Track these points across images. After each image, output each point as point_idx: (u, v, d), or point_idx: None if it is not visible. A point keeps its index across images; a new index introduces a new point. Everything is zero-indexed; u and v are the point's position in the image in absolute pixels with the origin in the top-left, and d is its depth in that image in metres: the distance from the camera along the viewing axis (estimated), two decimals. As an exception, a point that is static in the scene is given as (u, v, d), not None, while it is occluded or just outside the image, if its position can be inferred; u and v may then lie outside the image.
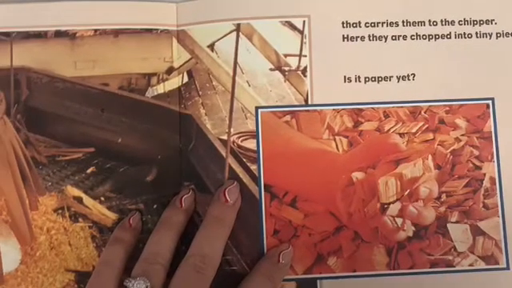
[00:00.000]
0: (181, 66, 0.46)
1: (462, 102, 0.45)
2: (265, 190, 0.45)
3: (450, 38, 0.46)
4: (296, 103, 0.45)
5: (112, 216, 0.46)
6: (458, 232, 0.45)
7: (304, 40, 0.45)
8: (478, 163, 0.45)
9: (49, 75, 0.46)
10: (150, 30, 0.46)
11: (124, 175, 0.46)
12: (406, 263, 0.45)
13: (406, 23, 0.45)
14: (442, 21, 0.46)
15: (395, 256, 0.45)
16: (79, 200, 0.45)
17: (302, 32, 0.45)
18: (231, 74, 0.45)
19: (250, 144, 0.45)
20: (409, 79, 0.45)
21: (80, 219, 0.46)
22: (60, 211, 0.45)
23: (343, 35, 0.45)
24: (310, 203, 0.45)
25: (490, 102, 0.46)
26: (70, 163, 0.46)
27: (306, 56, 0.45)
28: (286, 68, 0.45)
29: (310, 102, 0.45)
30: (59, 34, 0.46)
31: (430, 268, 0.45)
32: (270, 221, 0.44)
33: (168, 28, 0.45)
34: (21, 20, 0.45)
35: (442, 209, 0.45)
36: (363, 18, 0.45)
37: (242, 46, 0.45)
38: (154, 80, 0.46)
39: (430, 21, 0.46)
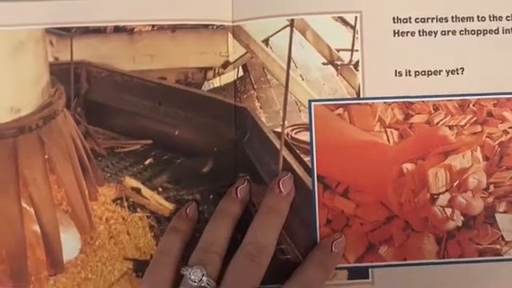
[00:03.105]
0: (236, 60, 0.47)
1: (510, 95, 0.46)
2: (318, 181, 0.45)
3: (498, 33, 0.46)
4: (348, 96, 0.46)
5: (169, 206, 0.47)
6: (506, 222, 0.46)
7: (356, 35, 0.46)
8: (525, 155, 0.46)
9: (108, 69, 0.46)
10: (206, 26, 0.46)
11: (181, 167, 0.47)
12: (455, 252, 0.46)
13: (455, 19, 0.46)
14: (490, 16, 0.46)
15: (445, 245, 0.46)
16: (137, 190, 0.46)
17: (353, 27, 0.46)
18: (285, 68, 0.46)
19: (304, 136, 0.46)
20: (457, 73, 0.46)
21: (138, 209, 0.47)
22: (119, 201, 0.46)
23: (394, 30, 0.46)
24: (362, 194, 0.46)
25: (537, 95, 0.47)
26: (129, 155, 0.47)
27: (357, 51, 0.46)
28: (339, 62, 0.46)
29: (361, 96, 0.46)
30: (118, 30, 0.46)
31: (479, 257, 0.46)
32: (322, 211, 0.46)
33: (224, 23, 0.46)
34: (80, 16, 0.46)
35: (490, 199, 0.46)
36: (413, 13, 0.46)
37: (296, 40, 0.46)
38: (210, 74, 0.47)
39: (478, 16, 0.46)
